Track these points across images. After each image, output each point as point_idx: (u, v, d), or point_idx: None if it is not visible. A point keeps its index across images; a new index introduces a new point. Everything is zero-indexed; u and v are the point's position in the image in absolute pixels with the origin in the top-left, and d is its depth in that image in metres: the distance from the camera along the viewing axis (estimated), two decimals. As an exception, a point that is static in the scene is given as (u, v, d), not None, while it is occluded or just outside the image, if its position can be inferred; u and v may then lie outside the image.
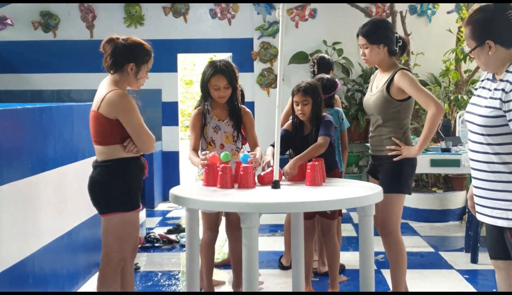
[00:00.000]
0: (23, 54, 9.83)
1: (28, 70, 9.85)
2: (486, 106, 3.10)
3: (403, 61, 7.75)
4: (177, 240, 6.83)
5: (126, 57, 3.76)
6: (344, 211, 8.04)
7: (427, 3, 9.47)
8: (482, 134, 3.12)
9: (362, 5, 9.12)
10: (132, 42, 3.80)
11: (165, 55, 9.43)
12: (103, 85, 3.78)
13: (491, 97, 3.10)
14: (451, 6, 9.36)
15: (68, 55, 9.80)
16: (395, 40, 4.33)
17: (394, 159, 4.25)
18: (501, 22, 3.07)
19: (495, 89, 3.09)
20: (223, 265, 5.82)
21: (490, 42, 3.08)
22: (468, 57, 7.99)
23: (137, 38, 3.87)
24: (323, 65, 5.74)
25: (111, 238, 3.78)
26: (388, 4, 9.09)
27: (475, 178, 3.22)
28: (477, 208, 3.24)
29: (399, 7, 8.83)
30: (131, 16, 9.76)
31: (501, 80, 3.08)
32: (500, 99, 3.03)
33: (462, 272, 5.60)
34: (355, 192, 3.72)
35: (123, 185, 3.75)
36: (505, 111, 3.02)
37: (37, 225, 4.25)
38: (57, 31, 9.86)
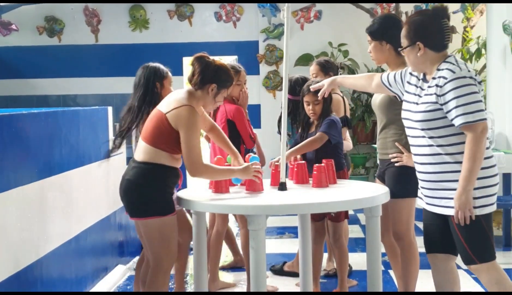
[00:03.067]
0: (28, 59, 9.86)
1: (34, 75, 9.88)
2: (422, 103, 3.32)
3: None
4: (185, 243, 6.82)
5: (210, 77, 3.77)
6: (351, 212, 8.02)
7: (432, 3, 9.46)
8: (423, 129, 3.32)
9: (367, 6, 9.11)
10: (219, 64, 3.82)
11: (170, 58, 9.40)
12: (183, 94, 3.75)
13: (426, 94, 3.32)
14: (456, 6, 9.35)
15: (74, 60, 9.82)
16: None
17: (396, 164, 4.08)
18: (434, 28, 3.31)
19: (429, 86, 3.31)
20: (231, 267, 5.82)
21: (420, 44, 3.31)
22: (474, 57, 8.05)
23: (223, 63, 3.88)
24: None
25: (156, 242, 3.74)
26: (393, 5, 9.08)
27: (420, 172, 3.43)
28: (426, 199, 3.47)
29: (404, 7, 8.82)
30: (136, 20, 9.77)
31: (433, 78, 3.29)
32: (436, 94, 3.24)
33: (470, 272, 5.56)
34: (362, 193, 3.72)
35: (157, 189, 3.70)
36: (441, 104, 3.22)
37: (44, 229, 4.25)
38: (62, 36, 9.89)
